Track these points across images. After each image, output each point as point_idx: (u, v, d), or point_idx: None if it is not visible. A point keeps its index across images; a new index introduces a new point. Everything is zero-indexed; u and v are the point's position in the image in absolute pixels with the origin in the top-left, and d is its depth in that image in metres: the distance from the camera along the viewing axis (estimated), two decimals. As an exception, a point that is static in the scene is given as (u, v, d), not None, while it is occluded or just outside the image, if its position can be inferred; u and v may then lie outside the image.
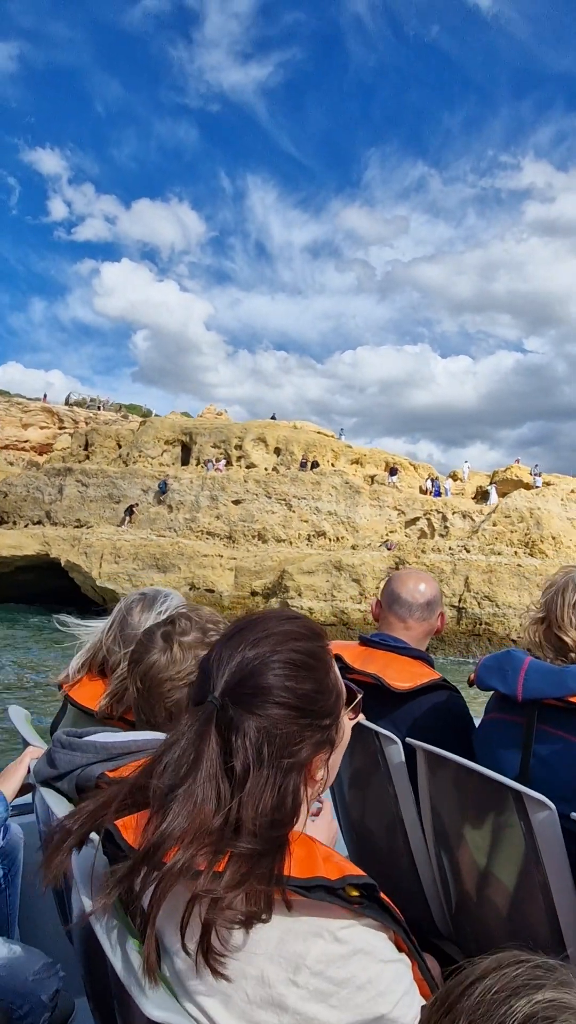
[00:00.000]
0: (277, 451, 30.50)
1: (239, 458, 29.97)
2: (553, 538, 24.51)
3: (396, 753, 1.43)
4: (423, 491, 30.19)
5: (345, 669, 1.50)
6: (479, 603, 23.41)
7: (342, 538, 27.76)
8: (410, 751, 1.40)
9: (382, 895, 0.68)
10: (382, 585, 1.69)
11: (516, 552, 24.21)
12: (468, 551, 24.15)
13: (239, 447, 29.98)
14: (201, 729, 0.69)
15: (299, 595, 23.71)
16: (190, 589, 25.10)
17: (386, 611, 1.62)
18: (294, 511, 27.97)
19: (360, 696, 0.82)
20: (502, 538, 24.44)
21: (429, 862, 1.46)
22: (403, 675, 1.49)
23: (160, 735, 0.97)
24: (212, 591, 24.90)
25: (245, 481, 28.19)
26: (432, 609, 1.62)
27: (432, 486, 30.19)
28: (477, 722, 1.49)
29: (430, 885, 1.47)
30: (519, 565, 23.65)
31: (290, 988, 0.62)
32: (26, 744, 1.54)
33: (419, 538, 26.84)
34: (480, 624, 23.06)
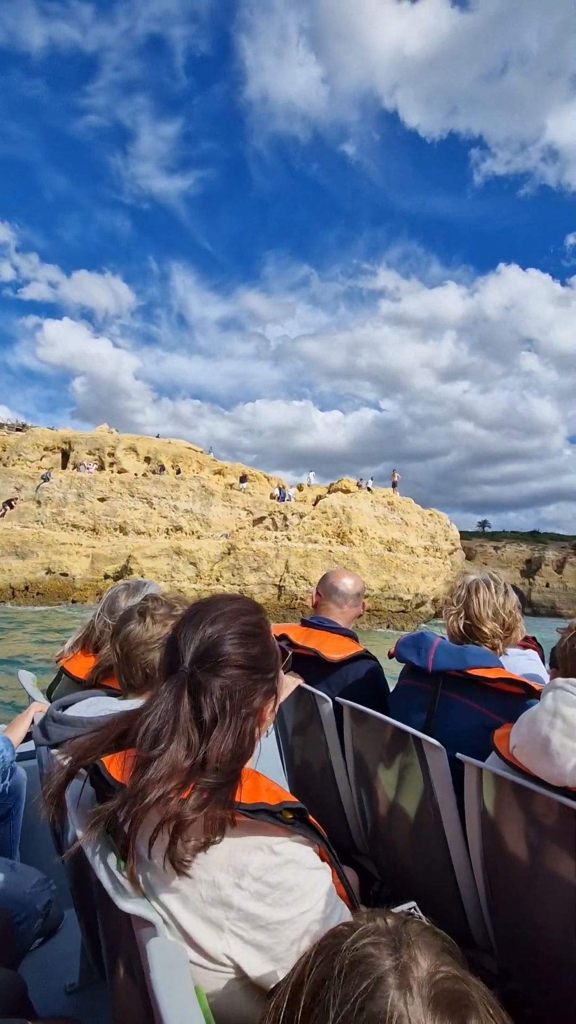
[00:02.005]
0: (147, 460, 32.04)
1: (111, 464, 31.21)
2: (361, 530, 27.45)
3: (327, 709, 1.62)
4: (272, 497, 32.65)
5: (290, 645, 1.75)
6: (296, 582, 25.65)
7: (196, 532, 29.40)
8: (339, 708, 1.58)
9: (311, 818, 0.79)
10: (320, 579, 1.94)
11: (330, 541, 26.88)
12: (290, 540, 26.54)
13: (112, 455, 31.26)
14: (177, 693, 0.78)
15: (142, 576, 24.96)
16: (46, 573, 25.64)
17: (325, 599, 1.87)
18: (154, 508, 29.38)
19: (290, 655, 0.99)
20: (319, 529, 27.06)
21: (351, 795, 1.64)
22: (336, 648, 1.71)
23: (132, 704, 1.08)
24: (66, 575, 25.57)
25: (111, 482, 29.38)
26: (359, 599, 1.89)
27: (279, 493, 32.73)
28: (390, 684, 1.66)
29: (351, 814, 1.65)
30: (330, 551, 26.25)
31: (235, 890, 0.72)
32: (31, 701, 1.66)
33: (265, 530, 29.01)
34: (296, 599, 25.23)
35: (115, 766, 0.80)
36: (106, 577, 25.83)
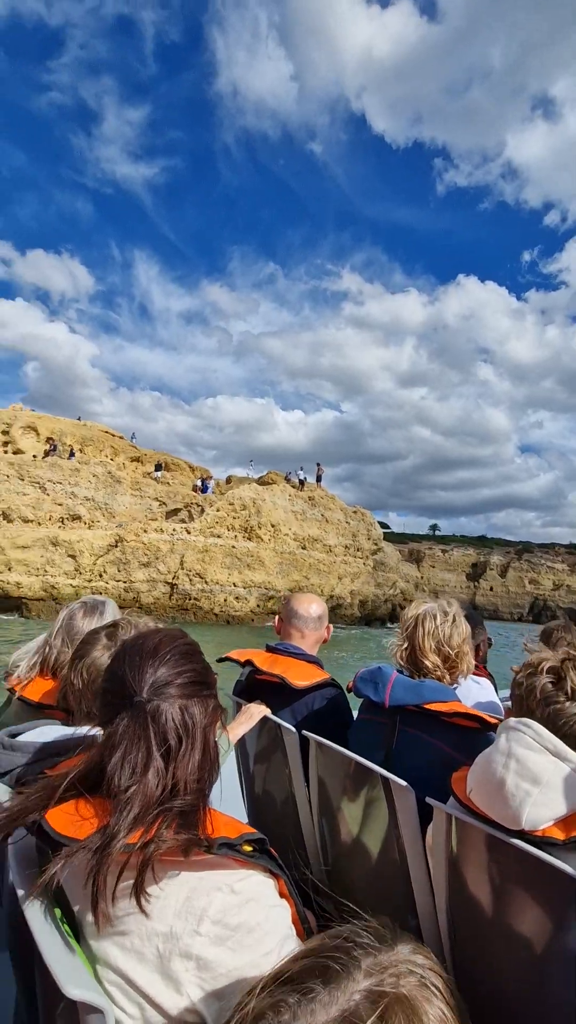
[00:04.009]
0: (50, 440, 27.17)
1: (6, 444, 26.22)
2: (272, 525, 23.15)
3: (292, 741, 1.53)
4: (195, 488, 28.22)
5: (255, 671, 1.66)
6: (191, 580, 21.18)
7: (97, 522, 24.70)
8: (304, 738, 1.48)
9: (271, 850, 0.75)
10: (283, 603, 1.82)
11: (235, 536, 22.50)
12: (189, 533, 22.04)
13: (6, 432, 26.28)
14: (142, 723, 0.74)
15: (8, 569, 20.13)
16: None
17: (287, 624, 1.75)
18: (48, 494, 24.55)
19: (216, 676, 0.89)
20: (223, 523, 22.66)
21: (313, 829, 1.53)
22: (302, 675, 1.60)
23: (88, 730, 1.03)
24: None
25: (-3, 462, 24.43)
26: (322, 622, 1.76)
27: (202, 484, 28.35)
28: (355, 711, 1.55)
29: (312, 849, 1.54)
30: (234, 547, 21.91)
31: (195, 938, 0.66)
32: None
33: (179, 523, 24.46)
34: (189, 599, 20.82)
35: (61, 819, 0.73)
36: (-28, 569, 20.87)
